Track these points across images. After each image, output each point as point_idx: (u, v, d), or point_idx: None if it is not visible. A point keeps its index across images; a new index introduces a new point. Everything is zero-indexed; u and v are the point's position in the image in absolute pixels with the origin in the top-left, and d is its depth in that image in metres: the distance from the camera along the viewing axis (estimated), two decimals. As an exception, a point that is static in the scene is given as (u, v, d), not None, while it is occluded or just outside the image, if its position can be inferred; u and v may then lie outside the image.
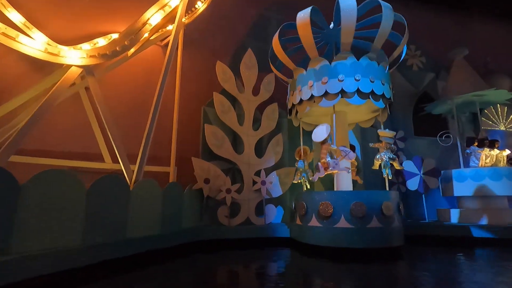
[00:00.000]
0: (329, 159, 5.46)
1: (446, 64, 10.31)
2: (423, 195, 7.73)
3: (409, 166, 7.87)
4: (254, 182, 7.00)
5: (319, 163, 5.58)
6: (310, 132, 7.90)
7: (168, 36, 7.16)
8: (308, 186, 6.49)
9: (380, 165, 5.84)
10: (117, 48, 4.55)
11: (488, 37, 13.28)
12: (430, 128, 9.29)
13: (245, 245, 6.25)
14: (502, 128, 10.18)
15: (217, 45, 8.34)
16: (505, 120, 10.27)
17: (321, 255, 5.26)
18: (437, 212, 7.98)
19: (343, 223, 5.11)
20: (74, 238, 3.60)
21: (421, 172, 7.77)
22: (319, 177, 5.95)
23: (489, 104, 8.79)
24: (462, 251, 5.83)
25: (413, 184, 7.75)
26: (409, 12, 12.08)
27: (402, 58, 6.47)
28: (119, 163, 4.82)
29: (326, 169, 5.50)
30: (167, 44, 7.07)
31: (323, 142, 5.54)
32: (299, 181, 6.50)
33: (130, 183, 4.72)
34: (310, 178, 6.40)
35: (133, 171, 4.81)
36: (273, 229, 6.62)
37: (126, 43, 4.46)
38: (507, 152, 7.79)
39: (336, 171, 5.56)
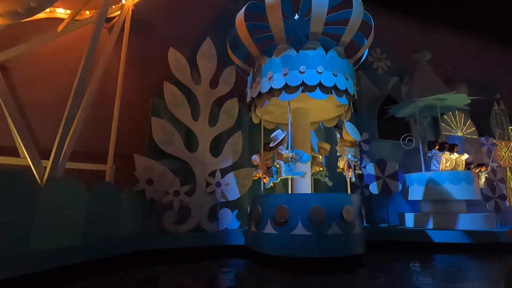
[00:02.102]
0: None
1: (410, 70, 10.41)
2: (386, 199, 7.51)
3: (372, 169, 7.63)
4: (208, 184, 6.29)
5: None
6: (272, 131, 7.43)
7: (114, 17, 6.31)
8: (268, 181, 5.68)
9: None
10: (18, 9, 3.63)
11: (448, 47, 13.81)
12: (393, 132, 9.22)
13: (195, 255, 5.50)
14: (460, 134, 10.43)
15: (173, 33, 7.54)
16: (463, 126, 10.55)
17: (277, 266, 4.68)
18: (399, 217, 7.79)
19: (300, 229, 4.57)
20: None
21: (384, 175, 7.55)
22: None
23: (449, 108, 8.89)
24: (422, 258, 5.57)
25: (375, 187, 7.50)
26: (376, 17, 12.24)
27: (364, 57, 6.16)
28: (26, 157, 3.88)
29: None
30: (113, 27, 6.21)
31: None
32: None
33: (41, 181, 3.80)
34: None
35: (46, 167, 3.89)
36: (227, 236, 5.94)
37: (31, 4, 3.57)
38: (466, 156, 7.84)
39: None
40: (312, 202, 4.59)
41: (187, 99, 6.52)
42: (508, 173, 10.96)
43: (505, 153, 11.28)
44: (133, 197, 5.42)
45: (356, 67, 6.13)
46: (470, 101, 8.32)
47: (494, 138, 10.61)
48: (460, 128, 10.55)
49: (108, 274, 4.06)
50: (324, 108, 6.19)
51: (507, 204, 8.01)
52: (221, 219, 6.31)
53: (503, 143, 11.32)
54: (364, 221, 5.43)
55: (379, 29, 11.46)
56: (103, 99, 6.00)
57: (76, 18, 5.63)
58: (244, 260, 5.35)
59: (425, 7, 13.50)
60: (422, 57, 8.82)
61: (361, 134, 8.55)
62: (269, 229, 4.83)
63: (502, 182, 8.15)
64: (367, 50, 6.22)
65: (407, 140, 8.18)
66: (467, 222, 6.59)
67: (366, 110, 9.51)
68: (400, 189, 7.49)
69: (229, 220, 6.40)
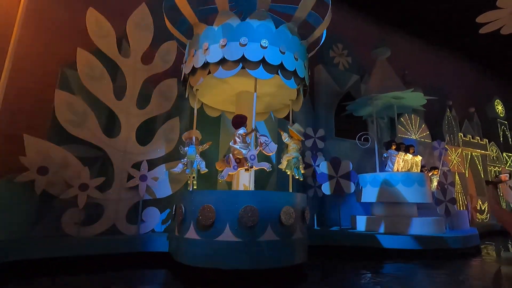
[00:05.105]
0: None
1: (370, 69, 10.14)
2: (339, 200, 6.95)
3: (324, 168, 7.03)
4: (131, 177, 5.19)
5: None
6: (216, 119, 6.52)
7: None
8: (195, 186, 4.87)
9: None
10: None
11: (406, 53, 13.97)
12: (351, 131, 8.80)
13: (101, 265, 4.38)
14: (414, 137, 10.38)
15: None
16: (417, 130, 10.52)
17: (197, 281, 3.76)
18: (351, 219, 7.28)
19: (227, 235, 3.69)
20: None
21: (337, 175, 6.99)
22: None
23: (406, 108, 8.66)
24: (372, 266, 5.01)
25: (328, 187, 6.91)
26: (338, 14, 11.90)
27: (323, 40, 5.47)
28: None
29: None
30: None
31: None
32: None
33: None
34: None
35: None
36: (149, 241, 4.89)
37: None
38: (420, 158, 7.60)
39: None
40: (244, 201, 3.73)
41: (110, 74, 5.35)
42: (457, 178, 11.17)
43: (454, 158, 11.51)
44: (16, 190, 4.14)
45: (312, 54, 5.44)
46: (426, 101, 8.14)
47: (446, 143, 10.71)
48: (415, 131, 10.51)
49: None
50: (273, 94, 5.40)
51: (456, 208, 7.90)
52: (145, 220, 5.24)
53: (453, 149, 11.56)
54: (311, 223, 4.73)
55: (342, 25, 11.09)
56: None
57: None
58: (164, 272, 4.36)
59: (387, 11, 13.51)
60: (382, 53, 8.49)
61: (317, 130, 8.02)
62: (191, 233, 3.89)
63: (452, 186, 8.04)
64: (324, 36, 5.54)
65: (363, 139, 7.75)
66: (418, 226, 6.22)
67: (324, 105, 9.00)
68: (353, 190, 6.98)
69: (155, 221, 5.35)
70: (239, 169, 4.25)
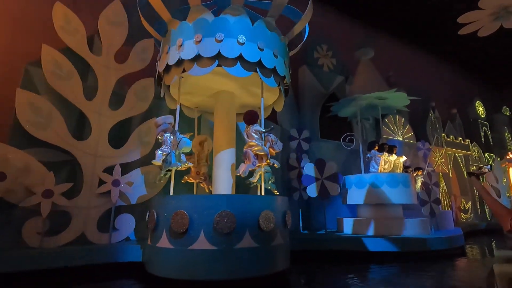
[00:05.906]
0: None
1: (355, 70, 10.12)
2: (324, 203, 6.79)
3: (309, 169, 6.86)
4: (102, 182, 4.85)
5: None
6: (193, 120, 6.25)
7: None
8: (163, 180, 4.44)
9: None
10: None
11: (391, 54, 14.11)
12: (336, 132, 8.72)
13: (66, 279, 4.03)
14: (399, 138, 10.39)
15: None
16: (402, 130, 10.54)
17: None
18: (337, 222, 7.14)
19: (202, 242, 3.43)
20: None
21: (323, 177, 6.83)
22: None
23: (391, 109, 8.63)
24: (357, 270, 4.83)
25: (313, 190, 6.74)
26: (324, 15, 11.92)
27: (306, 37, 5.30)
28: None
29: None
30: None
31: None
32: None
33: None
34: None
35: None
36: (121, 251, 4.55)
37: None
38: (404, 158, 7.55)
39: None
40: (219, 206, 3.49)
41: (80, 73, 5.01)
42: (441, 179, 11.25)
43: (438, 159, 11.60)
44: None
45: (296, 51, 5.27)
46: (409, 102, 8.12)
47: (430, 144, 10.78)
48: (400, 132, 10.53)
49: None
50: (254, 94, 5.19)
51: (441, 208, 7.88)
52: (118, 228, 4.90)
53: (437, 149, 11.65)
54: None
55: (326, 26, 11.04)
56: None
57: None
58: (135, 284, 4.05)
59: (372, 13, 13.62)
60: (365, 53, 8.45)
61: (302, 132, 7.88)
62: (164, 242, 3.61)
63: (436, 186, 8.03)
64: (307, 33, 5.39)
65: (348, 140, 7.65)
66: (404, 228, 6.12)
67: (309, 107, 8.88)
68: (339, 191, 6.83)
69: (130, 229, 5.02)
70: (257, 165, 4.17)
